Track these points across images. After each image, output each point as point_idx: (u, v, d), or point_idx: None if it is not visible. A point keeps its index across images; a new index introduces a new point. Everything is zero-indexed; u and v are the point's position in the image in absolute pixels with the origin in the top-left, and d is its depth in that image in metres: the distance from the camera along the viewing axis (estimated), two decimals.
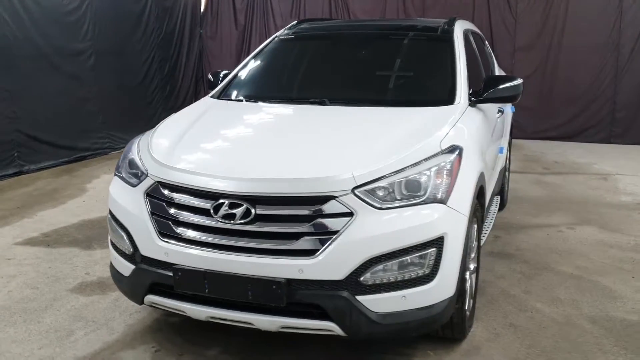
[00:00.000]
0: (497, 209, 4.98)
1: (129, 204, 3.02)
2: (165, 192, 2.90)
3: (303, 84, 4.25)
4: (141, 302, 3.03)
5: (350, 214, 2.64)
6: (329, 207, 2.65)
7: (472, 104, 3.66)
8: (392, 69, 4.09)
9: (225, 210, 2.70)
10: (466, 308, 3.19)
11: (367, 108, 3.58)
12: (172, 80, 10.63)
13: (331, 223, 2.64)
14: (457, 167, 2.91)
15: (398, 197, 2.73)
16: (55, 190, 6.65)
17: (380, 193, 2.71)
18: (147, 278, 2.92)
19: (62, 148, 7.97)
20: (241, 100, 3.99)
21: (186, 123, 3.46)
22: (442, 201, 2.76)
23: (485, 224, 4.35)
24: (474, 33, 4.85)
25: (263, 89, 4.24)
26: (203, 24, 11.35)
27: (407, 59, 4.13)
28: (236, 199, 2.71)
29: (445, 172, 2.83)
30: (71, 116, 8.17)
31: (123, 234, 3.02)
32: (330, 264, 2.61)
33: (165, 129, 3.47)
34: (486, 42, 5.76)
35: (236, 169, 2.86)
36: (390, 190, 2.73)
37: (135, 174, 3.09)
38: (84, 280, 4.13)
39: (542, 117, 9.72)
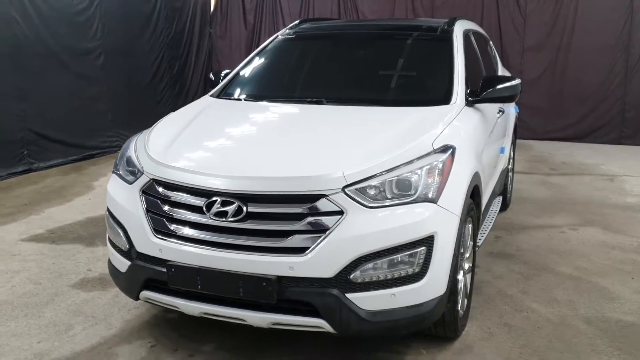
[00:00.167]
0: (498, 209, 4.96)
1: (126, 201, 3.07)
2: (160, 189, 2.94)
3: (301, 83, 4.28)
4: (137, 298, 3.07)
5: (340, 213, 2.67)
6: (319, 206, 2.67)
7: (469, 103, 3.67)
8: (390, 69, 4.11)
9: (217, 208, 2.74)
10: (459, 307, 3.20)
11: (363, 108, 3.61)
12: (181, 80, 10.72)
13: (321, 221, 2.67)
14: (449, 166, 2.92)
15: (389, 196, 2.75)
16: (63, 187, 6.74)
17: (371, 192, 2.74)
18: (142, 274, 2.97)
19: (71, 146, 8.07)
20: (240, 100, 4.03)
21: (183, 122, 3.51)
22: (433, 200, 2.77)
23: (484, 224, 4.36)
24: (475, 33, 4.85)
25: (262, 88, 4.27)
26: (212, 24, 11.43)
27: (405, 59, 4.15)
28: (228, 197, 2.75)
29: (436, 171, 2.85)
30: (80, 115, 8.26)
31: (120, 230, 3.07)
32: (320, 261, 2.64)
33: (162, 127, 3.52)
34: (490, 42, 5.74)
35: (228, 167, 2.90)
36: (381, 189, 2.75)
37: (132, 172, 3.14)
38: (85, 277, 4.19)
39: (551, 118, 9.69)
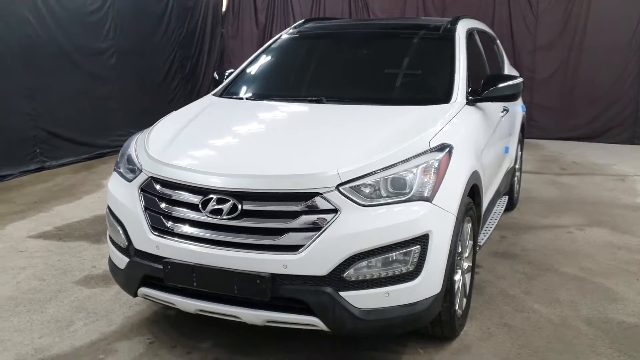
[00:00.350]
0: (503, 209, 4.93)
1: (125, 198, 3.10)
2: (158, 187, 2.97)
3: (302, 82, 4.29)
4: (135, 295, 3.10)
5: (334, 211, 2.67)
6: (313, 204, 2.68)
7: (470, 102, 3.65)
8: (391, 68, 4.11)
9: (212, 206, 2.76)
10: (457, 307, 3.18)
11: (363, 106, 3.60)
12: (193, 79, 10.78)
13: (315, 219, 2.67)
14: (446, 165, 2.91)
15: (384, 195, 2.74)
16: (73, 186, 6.82)
17: (366, 190, 2.73)
18: (140, 271, 3.00)
19: (83, 145, 8.16)
20: (242, 98, 4.05)
21: (184, 120, 3.54)
22: (428, 199, 2.77)
23: (488, 224, 4.34)
24: (481, 32, 4.82)
25: (264, 87, 4.29)
26: (224, 24, 11.48)
27: (406, 58, 4.14)
28: (223, 195, 2.76)
29: (432, 170, 2.84)
30: (92, 114, 8.35)
31: (119, 227, 3.10)
32: (313, 259, 2.65)
33: (162, 126, 3.56)
34: (497, 41, 5.70)
35: (224, 165, 2.92)
36: (376, 187, 2.75)
37: (131, 170, 3.17)
38: (89, 273, 4.24)
39: (563, 117, 9.60)
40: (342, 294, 2.67)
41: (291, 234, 2.68)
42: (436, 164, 2.87)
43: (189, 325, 3.43)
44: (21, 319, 3.56)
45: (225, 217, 2.74)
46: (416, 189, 2.76)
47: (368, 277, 2.68)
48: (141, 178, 3.05)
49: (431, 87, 3.85)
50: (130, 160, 3.23)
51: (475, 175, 3.27)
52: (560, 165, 7.92)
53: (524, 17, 9.63)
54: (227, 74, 4.39)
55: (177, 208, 2.89)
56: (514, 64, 9.31)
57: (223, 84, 4.24)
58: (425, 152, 2.89)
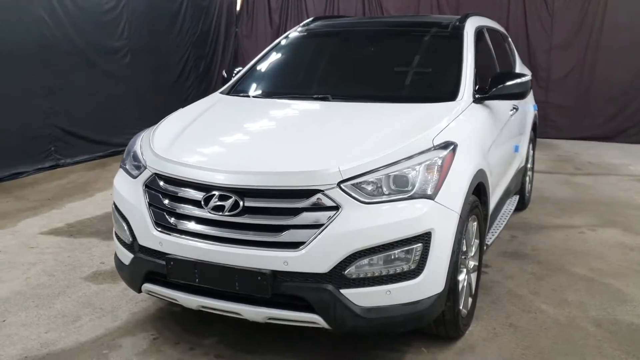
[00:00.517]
0: (514, 208, 4.88)
1: (130, 195, 3.12)
2: (161, 183, 2.98)
3: (309, 80, 4.28)
4: (139, 290, 3.12)
5: (336, 208, 2.66)
6: (314, 201, 2.67)
7: (477, 100, 3.62)
8: (397, 66, 4.09)
9: (215, 202, 2.77)
10: (461, 306, 3.16)
11: (368, 104, 3.59)
12: (207, 79, 10.83)
13: (316, 216, 2.66)
14: (449, 163, 2.89)
15: (386, 192, 2.73)
16: (86, 183, 6.88)
17: (368, 187, 2.72)
18: (144, 267, 3.01)
19: (97, 143, 8.23)
20: (248, 96, 4.05)
21: (189, 118, 3.55)
22: (430, 197, 2.74)
23: (496, 223, 4.31)
24: (491, 30, 4.77)
25: (271, 85, 4.29)
26: (238, 23, 11.52)
27: (413, 55, 4.11)
28: (225, 191, 2.77)
29: (435, 168, 2.82)
30: (106, 112, 8.42)
31: (124, 224, 3.12)
32: (314, 256, 2.64)
33: (168, 123, 3.57)
34: (509, 39, 5.64)
35: (227, 162, 2.93)
36: (378, 184, 2.73)
37: (137, 166, 3.19)
38: (98, 269, 4.27)
39: (579, 117, 9.49)
40: (343, 291, 2.66)
41: (292, 231, 2.67)
42: (439, 162, 2.84)
43: (193, 322, 3.44)
44: (29, 313, 3.60)
45: (227, 213, 2.75)
46: (419, 187, 2.75)
47: (369, 275, 2.67)
48: (146, 174, 3.07)
49: (438, 85, 3.82)
50: (135, 157, 3.26)
51: (480, 174, 3.24)
52: (574, 165, 7.82)
53: (539, 16, 9.53)
54: (236, 71, 4.40)
55: (180, 204, 2.90)
56: (529, 64, 9.26)
57: (230, 82, 4.25)
58: (428, 150, 2.87)
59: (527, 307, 3.67)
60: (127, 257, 3.13)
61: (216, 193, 2.78)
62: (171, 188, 2.94)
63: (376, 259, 2.66)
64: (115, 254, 3.34)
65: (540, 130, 8.84)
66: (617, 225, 5.27)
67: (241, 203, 2.74)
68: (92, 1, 8.16)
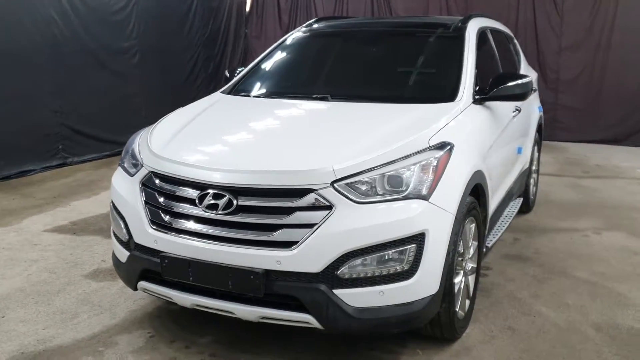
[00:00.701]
0: (516, 211, 4.84)
1: (127, 193, 3.13)
2: (157, 181, 2.99)
3: (310, 79, 4.28)
4: (135, 288, 3.13)
5: (329, 207, 2.65)
6: (308, 200, 2.67)
7: (477, 101, 3.60)
8: (397, 66, 4.08)
9: (209, 201, 2.77)
10: (457, 308, 3.13)
11: (367, 104, 3.57)
12: (216, 79, 10.85)
13: (310, 216, 2.66)
14: (445, 163, 2.87)
15: (380, 192, 2.72)
16: (93, 182, 6.93)
17: (363, 187, 2.71)
18: (139, 265, 3.03)
19: (105, 142, 8.28)
20: (248, 96, 4.05)
21: (188, 117, 3.56)
22: (425, 197, 2.73)
23: (498, 225, 4.27)
24: (495, 31, 4.74)
25: (271, 85, 4.28)
26: (248, 24, 11.54)
27: (414, 56, 4.09)
28: (219, 190, 2.77)
29: (430, 168, 2.80)
30: (115, 112, 8.46)
31: (121, 221, 3.13)
32: (307, 256, 2.63)
33: (167, 122, 3.59)
34: (514, 40, 5.60)
35: (221, 161, 2.94)
36: (372, 184, 2.72)
37: (134, 164, 3.21)
38: (99, 267, 4.29)
39: (589, 120, 9.38)
40: (336, 291, 2.65)
41: (285, 230, 2.67)
42: (435, 162, 2.83)
43: (190, 321, 3.45)
44: (28, 310, 3.62)
45: (220, 212, 2.75)
46: (413, 187, 2.73)
47: (362, 275, 2.66)
48: (142, 173, 3.09)
49: (437, 85, 3.80)
50: (133, 155, 3.27)
51: (478, 175, 3.21)
52: (582, 168, 7.75)
53: (548, 17, 9.45)
54: (238, 71, 4.41)
55: (175, 203, 2.91)
56: (539, 65, 9.19)
57: (232, 82, 4.26)
58: (424, 150, 2.86)
59: (527, 310, 3.63)
60: (123, 254, 3.14)
61: (210, 191, 2.78)
62: (166, 186, 2.95)
63: (369, 260, 2.65)
64: (113, 252, 3.35)
65: (549, 133, 8.83)
66: (623, 229, 5.21)
67: (235, 202, 2.74)
68: (101, 1, 8.22)
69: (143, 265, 3.01)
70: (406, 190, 2.72)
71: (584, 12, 9.22)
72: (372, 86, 3.95)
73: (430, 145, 2.90)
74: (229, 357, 3.10)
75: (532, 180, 5.56)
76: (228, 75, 4.46)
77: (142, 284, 3.06)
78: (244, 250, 2.71)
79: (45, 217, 5.50)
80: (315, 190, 2.66)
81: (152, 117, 8.92)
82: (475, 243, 3.42)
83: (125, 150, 3.42)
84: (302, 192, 2.67)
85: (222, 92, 4.17)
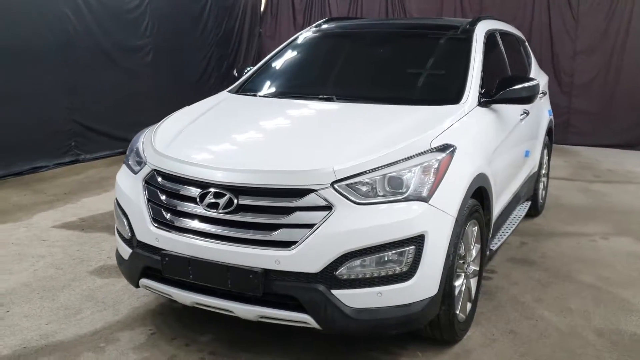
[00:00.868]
0: (524, 214, 4.81)
1: (130, 190, 3.16)
2: (159, 179, 3.02)
3: (316, 80, 4.28)
4: (137, 285, 3.16)
5: (328, 208, 2.66)
6: (308, 200, 2.67)
7: (482, 104, 3.58)
8: (404, 68, 4.07)
9: (209, 199, 2.79)
10: (458, 310, 3.12)
11: (372, 105, 3.57)
12: (228, 78, 10.86)
13: (309, 216, 2.66)
14: (446, 166, 2.86)
15: (380, 193, 2.72)
16: (103, 179, 6.99)
17: (363, 188, 2.71)
18: (141, 262, 3.05)
19: (117, 139, 8.31)
20: (254, 95, 4.07)
21: (193, 115, 3.59)
22: (425, 199, 2.72)
23: (503, 228, 4.25)
24: (504, 33, 4.71)
25: (278, 85, 4.30)
26: (262, 24, 11.58)
27: (420, 57, 4.08)
28: (220, 189, 2.79)
29: (432, 170, 2.80)
30: (127, 109, 8.51)
31: (124, 219, 3.16)
32: (306, 256, 2.64)
33: (172, 120, 3.62)
34: (525, 43, 5.57)
35: (223, 160, 2.95)
36: (373, 185, 2.72)
37: (138, 162, 3.24)
38: (105, 264, 4.33)
39: (603, 124, 9.29)
40: (334, 292, 2.66)
41: (285, 230, 2.68)
42: (436, 164, 2.82)
43: (192, 319, 3.47)
44: (32, 305, 3.66)
45: (221, 211, 2.76)
46: (413, 189, 2.73)
47: (361, 276, 2.66)
48: (145, 170, 3.11)
49: (443, 87, 3.79)
50: (137, 153, 3.30)
51: (481, 178, 3.20)
52: (594, 173, 7.67)
53: (563, 20, 9.37)
54: (246, 70, 4.43)
55: (176, 201, 2.93)
56: (553, 69, 9.12)
57: (239, 81, 4.29)
58: (425, 152, 2.86)
59: (529, 314, 3.61)
60: (126, 252, 3.17)
61: (211, 190, 2.80)
62: (168, 184, 2.97)
63: (368, 261, 2.65)
64: (117, 249, 3.39)
65: (562, 137, 8.76)
66: (631, 234, 5.16)
67: (235, 201, 2.75)
68: None
69: (145, 263, 3.03)
70: (406, 191, 2.72)
71: (600, 15, 9.14)
72: (377, 87, 3.95)
73: (432, 147, 2.89)
74: (228, 356, 3.12)
75: (541, 184, 5.52)
76: (236, 74, 4.48)
77: (144, 281, 3.09)
78: (244, 250, 2.72)
79: (55, 214, 5.56)
80: (316, 190, 2.67)
81: (164, 115, 8.86)
82: (478, 246, 3.40)
83: (130, 148, 3.46)
84: (302, 192, 2.68)
85: (228, 91, 4.20)
